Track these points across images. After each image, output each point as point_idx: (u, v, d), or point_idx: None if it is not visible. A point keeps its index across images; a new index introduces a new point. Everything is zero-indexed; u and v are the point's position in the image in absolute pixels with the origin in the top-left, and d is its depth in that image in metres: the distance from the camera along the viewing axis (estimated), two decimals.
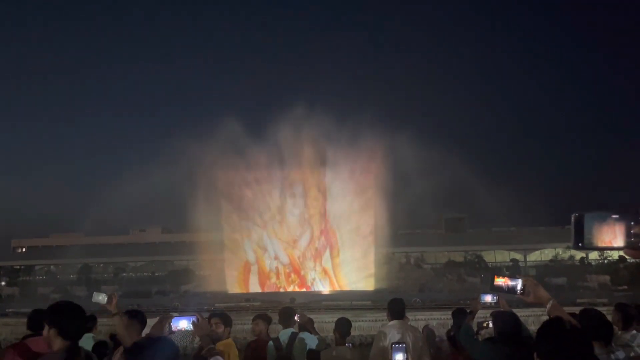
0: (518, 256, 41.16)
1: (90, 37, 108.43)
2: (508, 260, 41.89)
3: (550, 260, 39.52)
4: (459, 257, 41.74)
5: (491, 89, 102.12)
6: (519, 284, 2.94)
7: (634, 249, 1.24)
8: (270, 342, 5.16)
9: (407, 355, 2.64)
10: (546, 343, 2.17)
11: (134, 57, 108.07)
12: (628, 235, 1.24)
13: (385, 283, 31.43)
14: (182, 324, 3.64)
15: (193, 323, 3.66)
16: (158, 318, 3.82)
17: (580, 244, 1.26)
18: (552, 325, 2.28)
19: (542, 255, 40.52)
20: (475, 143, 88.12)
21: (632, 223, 1.23)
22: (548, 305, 2.74)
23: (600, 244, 1.26)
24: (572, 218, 1.26)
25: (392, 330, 4.94)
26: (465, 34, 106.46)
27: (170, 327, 3.62)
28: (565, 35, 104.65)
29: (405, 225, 37.87)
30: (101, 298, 3.92)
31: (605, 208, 1.26)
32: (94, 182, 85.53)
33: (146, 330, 4.52)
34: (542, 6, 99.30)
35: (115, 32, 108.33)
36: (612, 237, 1.25)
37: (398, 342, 2.78)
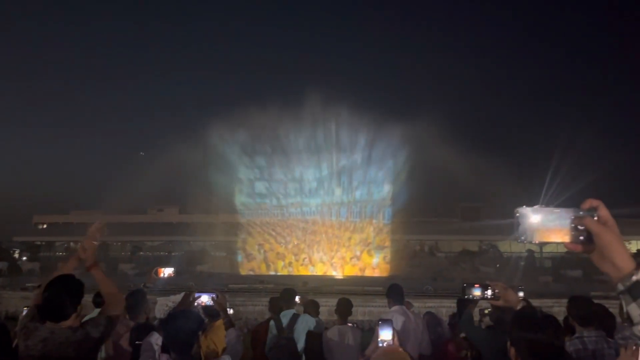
0: (534, 247, 40.69)
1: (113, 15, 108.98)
2: (524, 251, 41.53)
3: (567, 252, 38.96)
4: (473, 247, 41.51)
5: (510, 79, 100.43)
6: (488, 289, 3.03)
7: (574, 243, 1.28)
8: (272, 322, 5.27)
9: (394, 332, 2.68)
10: (519, 331, 2.21)
11: (155, 38, 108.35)
12: (569, 229, 1.28)
13: (398, 270, 31.50)
14: (203, 298, 4.29)
15: (213, 299, 4.25)
16: (183, 293, 4.45)
17: (523, 238, 1.30)
18: (526, 315, 2.32)
19: (559, 247, 39.87)
20: (495, 133, 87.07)
21: (572, 217, 1.27)
22: (519, 308, 2.80)
23: (543, 239, 1.30)
24: (515, 212, 1.30)
25: (395, 315, 4.99)
26: (498, 24, 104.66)
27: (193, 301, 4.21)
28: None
29: (421, 213, 37.75)
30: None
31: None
32: (114, 161, 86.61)
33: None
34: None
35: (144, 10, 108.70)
36: (554, 231, 1.29)
37: (385, 319, 2.82)
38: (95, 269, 3.53)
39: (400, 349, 2.56)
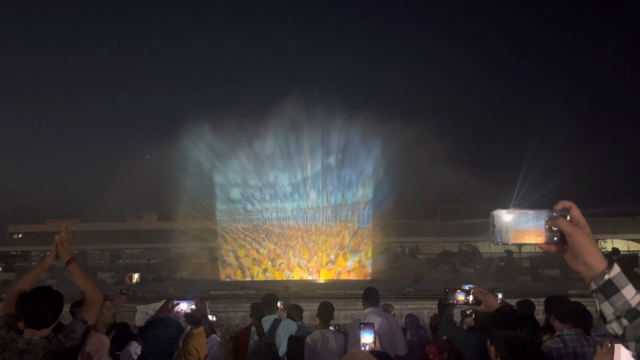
0: (512, 247, 41.17)
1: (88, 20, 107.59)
2: (502, 251, 42.01)
3: (544, 252, 39.40)
4: (453, 248, 41.85)
5: (492, 81, 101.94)
6: (470, 295, 3.08)
7: (548, 244, 1.31)
8: (253, 328, 5.24)
9: (375, 336, 2.71)
10: (498, 329, 2.25)
11: (133, 45, 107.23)
12: (543, 230, 1.30)
13: (379, 273, 31.59)
14: (182, 305, 4.25)
15: (192, 308, 4.16)
16: (164, 301, 4.38)
17: (498, 240, 1.32)
18: (504, 314, 2.36)
19: (537, 247, 40.22)
20: (472, 135, 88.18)
21: (546, 219, 1.30)
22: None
23: (517, 240, 1.33)
24: (490, 214, 1.32)
25: (370, 318, 5.02)
26: (472, 30, 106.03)
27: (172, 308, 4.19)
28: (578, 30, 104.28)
29: (401, 215, 37.99)
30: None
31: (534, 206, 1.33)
32: (91, 169, 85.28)
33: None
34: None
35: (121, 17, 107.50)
36: (528, 232, 1.31)
37: (367, 322, 2.85)
38: (74, 264, 3.44)
39: (363, 350, 2.57)
